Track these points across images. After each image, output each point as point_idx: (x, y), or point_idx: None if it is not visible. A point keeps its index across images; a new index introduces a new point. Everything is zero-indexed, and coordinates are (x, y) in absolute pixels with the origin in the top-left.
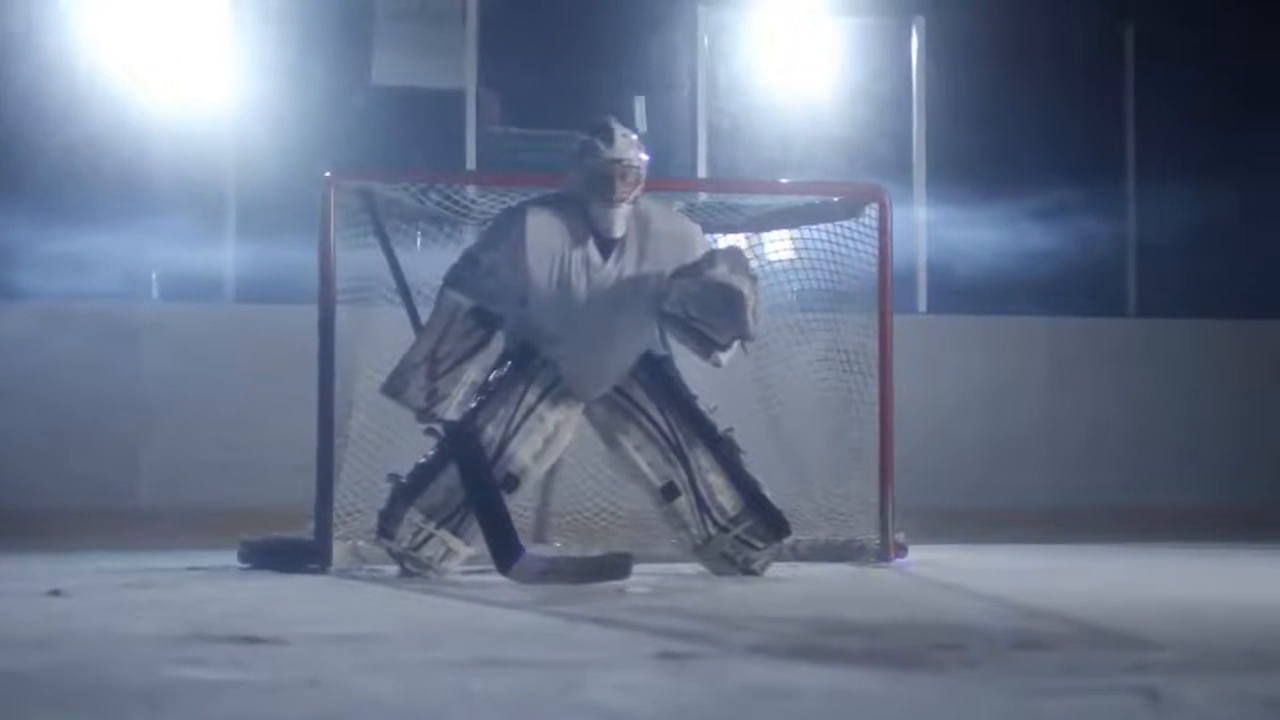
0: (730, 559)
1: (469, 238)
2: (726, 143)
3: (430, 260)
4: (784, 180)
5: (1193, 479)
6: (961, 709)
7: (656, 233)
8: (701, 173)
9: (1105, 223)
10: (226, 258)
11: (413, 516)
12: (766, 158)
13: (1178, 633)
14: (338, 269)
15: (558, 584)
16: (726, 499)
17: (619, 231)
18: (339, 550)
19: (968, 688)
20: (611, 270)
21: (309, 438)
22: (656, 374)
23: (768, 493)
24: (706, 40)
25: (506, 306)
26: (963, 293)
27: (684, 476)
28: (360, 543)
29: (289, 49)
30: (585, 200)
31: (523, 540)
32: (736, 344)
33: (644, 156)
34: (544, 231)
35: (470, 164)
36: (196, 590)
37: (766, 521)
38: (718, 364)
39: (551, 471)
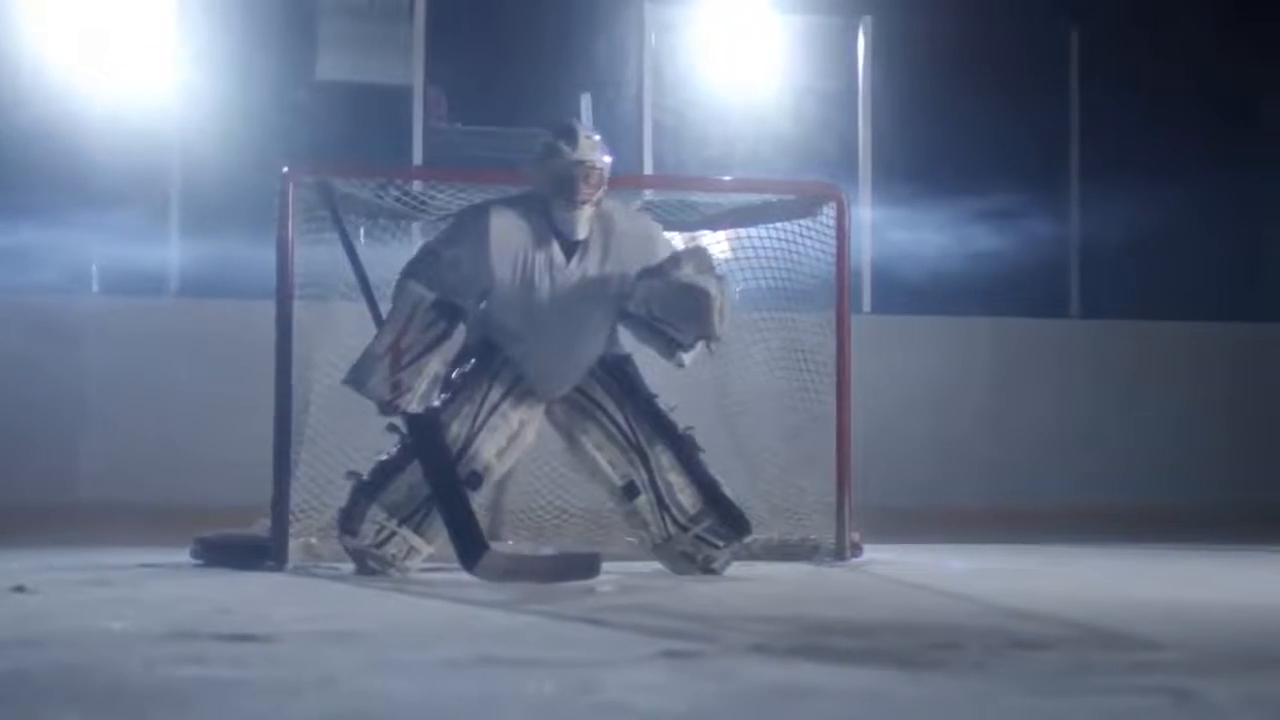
0: (690, 558)
1: (428, 233)
2: (672, 140)
3: (388, 256)
4: (741, 178)
5: (1135, 479)
6: (988, 709)
7: (620, 233)
8: (648, 170)
9: (1049, 224)
10: (171, 252)
11: (375, 514)
12: (712, 155)
13: (1172, 633)
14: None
15: (523, 582)
16: (686, 497)
17: (582, 233)
18: (293, 548)
19: (985, 688)
20: (575, 270)
21: (253, 434)
22: (616, 372)
23: (727, 491)
24: (653, 38)
25: (468, 301)
26: (907, 293)
27: (644, 475)
28: (314, 540)
29: (234, 43)
30: (548, 201)
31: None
32: (700, 344)
33: (607, 158)
34: (508, 231)
35: (417, 160)
36: (160, 587)
37: (726, 520)
38: (680, 364)
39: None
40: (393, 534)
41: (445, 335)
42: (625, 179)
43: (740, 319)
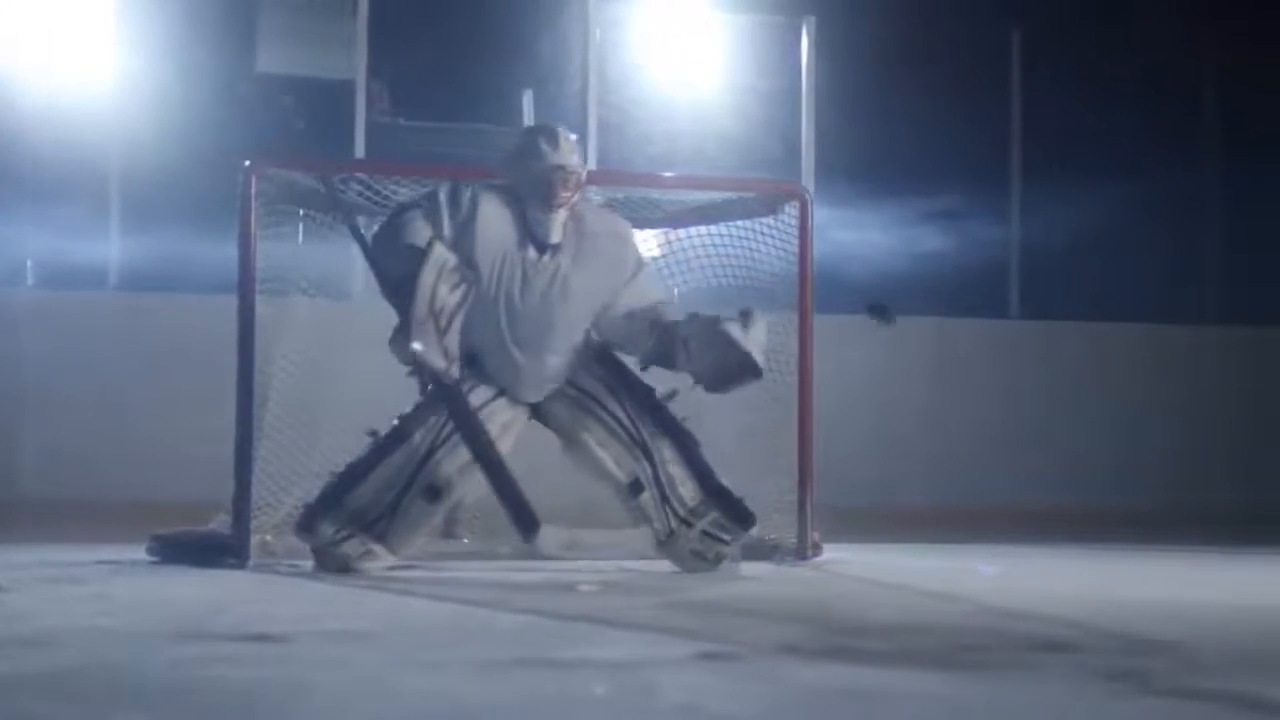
0: (701, 555)
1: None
2: (616, 137)
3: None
4: (704, 176)
5: (1074, 480)
6: (1047, 713)
7: (591, 232)
8: (591, 167)
9: (990, 224)
10: (111, 246)
11: (337, 515)
12: (655, 153)
13: (1180, 635)
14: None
15: (578, 557)
16: (687, 490)
17: (556, 237)
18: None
19: (1034, 690)
20: (548, 266)
21: (195, 429)
22: (612, 366)
23: (726, 482)
24: (598, 34)
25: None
26: (849, 292)
27: (648, 470)
28: (269, 537)
29: (174, 35)
30: (523, 201)
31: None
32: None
33: (584, 163)
34: (494, 221)
35: (359, 154)
36: (135, 585)
37: (730, 512)
38: (644, 368)
39: None
40: (350, 535)
41: (465, 298)
42: (590, 175)
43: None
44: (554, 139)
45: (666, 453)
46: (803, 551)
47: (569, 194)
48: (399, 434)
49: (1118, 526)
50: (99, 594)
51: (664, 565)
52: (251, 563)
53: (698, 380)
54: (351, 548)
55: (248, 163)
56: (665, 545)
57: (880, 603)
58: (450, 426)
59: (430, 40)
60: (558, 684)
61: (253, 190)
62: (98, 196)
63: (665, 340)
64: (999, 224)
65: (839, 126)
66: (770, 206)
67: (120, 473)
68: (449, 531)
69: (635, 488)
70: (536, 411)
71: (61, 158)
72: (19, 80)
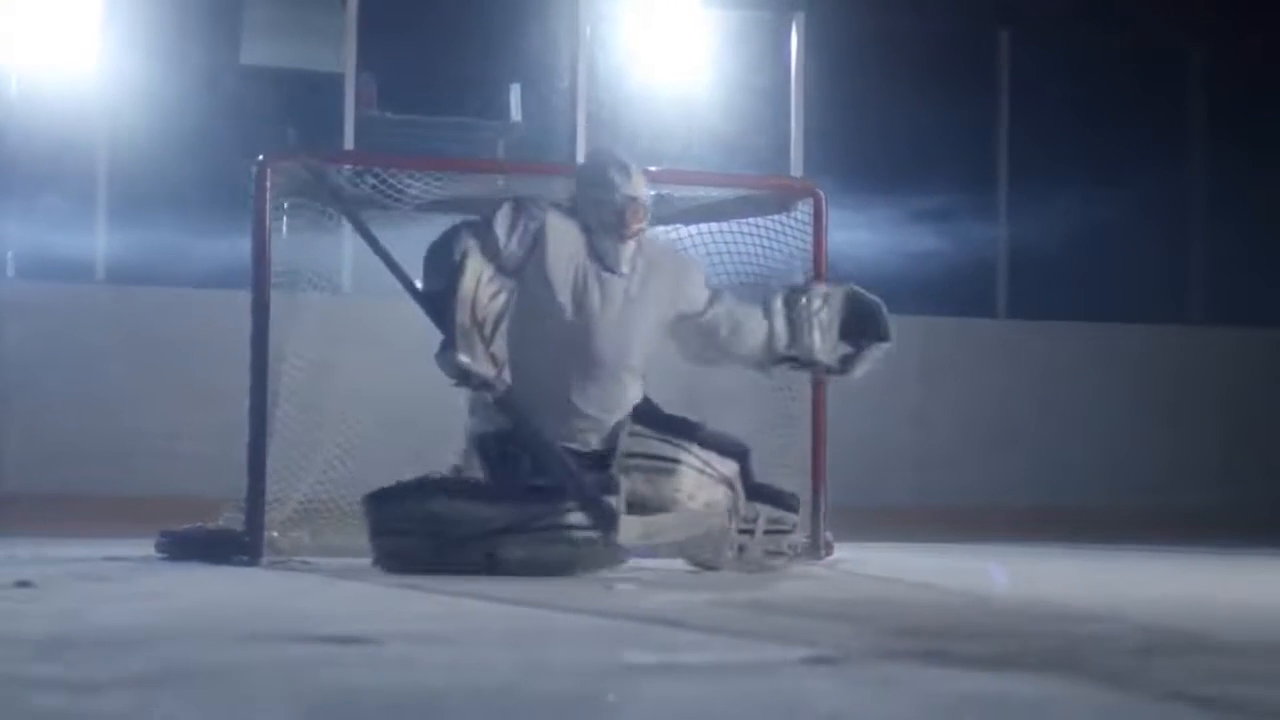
0: (777, 553)
1: (403, 222)
2: (606, 132)
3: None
4: (719, 173)
5: (1059, 480)
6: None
7: (656, 264)
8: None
9: (978, 224)
10: (98, 238)
11: (410, 510)
12: (645, 148)
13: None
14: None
15: (664, 543)
16: (742, 503)
17: (625, 268)
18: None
19: (1173, 694)
20: (621, 283)
21: (180, 424)
22: (656, 418)
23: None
24: (588, 30)
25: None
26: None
27: (732, 501)
28: (274, 533)
29: (162, 26)
30: (591, 229)
31: None
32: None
33: (651, 192)
34: (564, 238)
35: (348, 148)
36: (168, 582)
37: (775, 503)
38: (769, 374)
39: None
40: (410, 533)
41: (507, 306)
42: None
43: None
44: (625, 170)
45: (739, 483)
46: (816, 551)
47: (639, 225)
48: (487, 492)
49: (1105, 527)
50: (138, 592)
51: (678, 562)
52: (264, 560)
53: (829, 368)
54: (399, 546)
55: (261, 156)
56: (739, 559)
57: (928, 603)
58: (530, 514)
59: (418, 34)
60: (720, 687)
61: (267, 184)
62: (85, 188)
63: (798, 318)
64: (987, 223)
65: (828, 123)
66: (783, 204)
67: (104, 468)
68: None
69: (730, 519)
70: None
71: (49, 149)
72: (5, 71)
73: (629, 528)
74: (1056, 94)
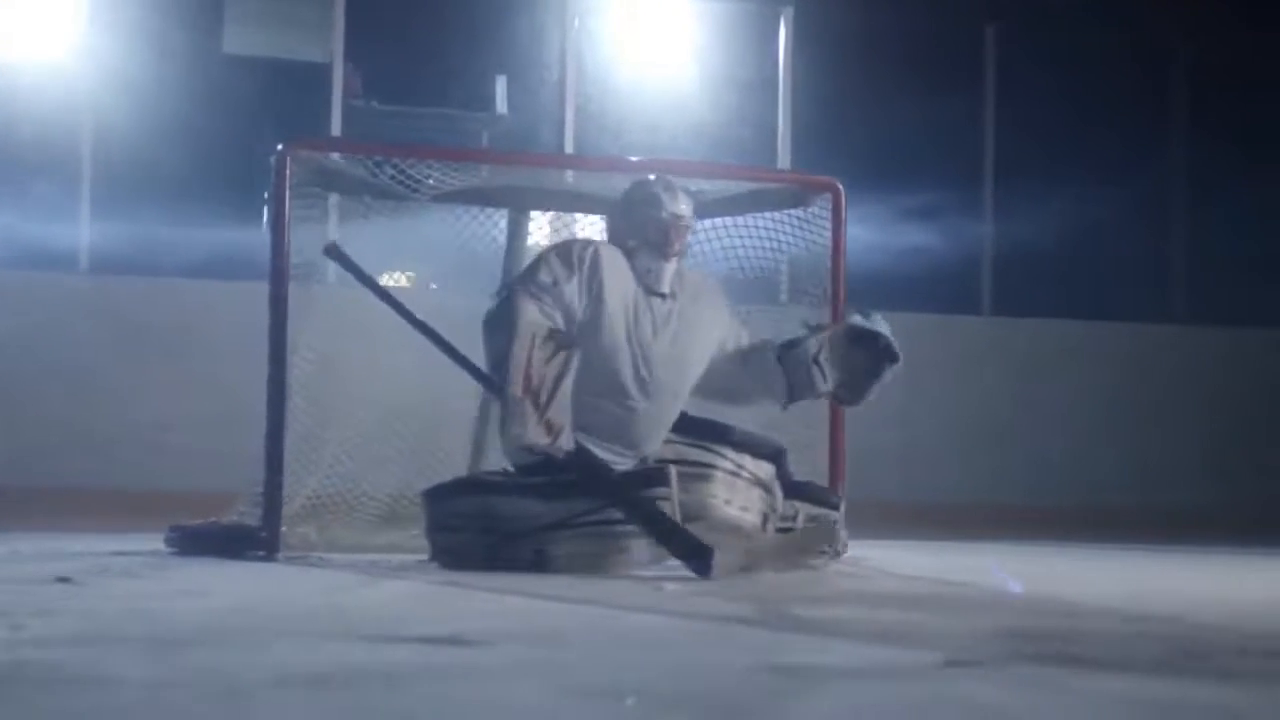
0: (826, 540)
1: (418, 213)
2: (594, 125)
3: (377, 235)
4: (737, 166)
5: (1042, 478)
6: None
7: (695, 288)
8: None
9: (963, 220)
10: (81, 227)
11: (467, 506)
12: (632, 141)
13: None
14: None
15: (757, 570)
16: (779, 502)
17: (668, 287)
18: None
19: None
20: (670, 309)
21: (162, 416)
22: (688, 422)
23: (792, 469)
24: (576, 22)
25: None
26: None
27: (770, 505)
28: (282, 528)
29: (147, 14)
30: (634, 250)
31: None
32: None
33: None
34: (616, 268)
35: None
36: (204, 579)
37: (812, 499)
38: (784, 407)
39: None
40: (463, 530)
41: (568, 364)
42: (610, 161)
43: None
44: (671, 188)
45: (776, 487)
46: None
47: (682, 244)
48: (538, 489)
49: (1086, 525)
50: (181, 589)
51: None
52: (280, 555)
53: (840, 398)
54: (453, 542)
55: (280, 146)
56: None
57: (968, 604)
58: (577, 511)
59: (404, 25)
60: (855, 690)
61: (287, 173)
62: (69, 177)
63: (799, 371)
64: (972, 220)
65: (814, 118)
66: (799, 199)
67: (90, 460)
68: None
69: (766, 521)
70: None
71: (32, 138)
72: None
73: (726, 562)
74: (1042, 91)
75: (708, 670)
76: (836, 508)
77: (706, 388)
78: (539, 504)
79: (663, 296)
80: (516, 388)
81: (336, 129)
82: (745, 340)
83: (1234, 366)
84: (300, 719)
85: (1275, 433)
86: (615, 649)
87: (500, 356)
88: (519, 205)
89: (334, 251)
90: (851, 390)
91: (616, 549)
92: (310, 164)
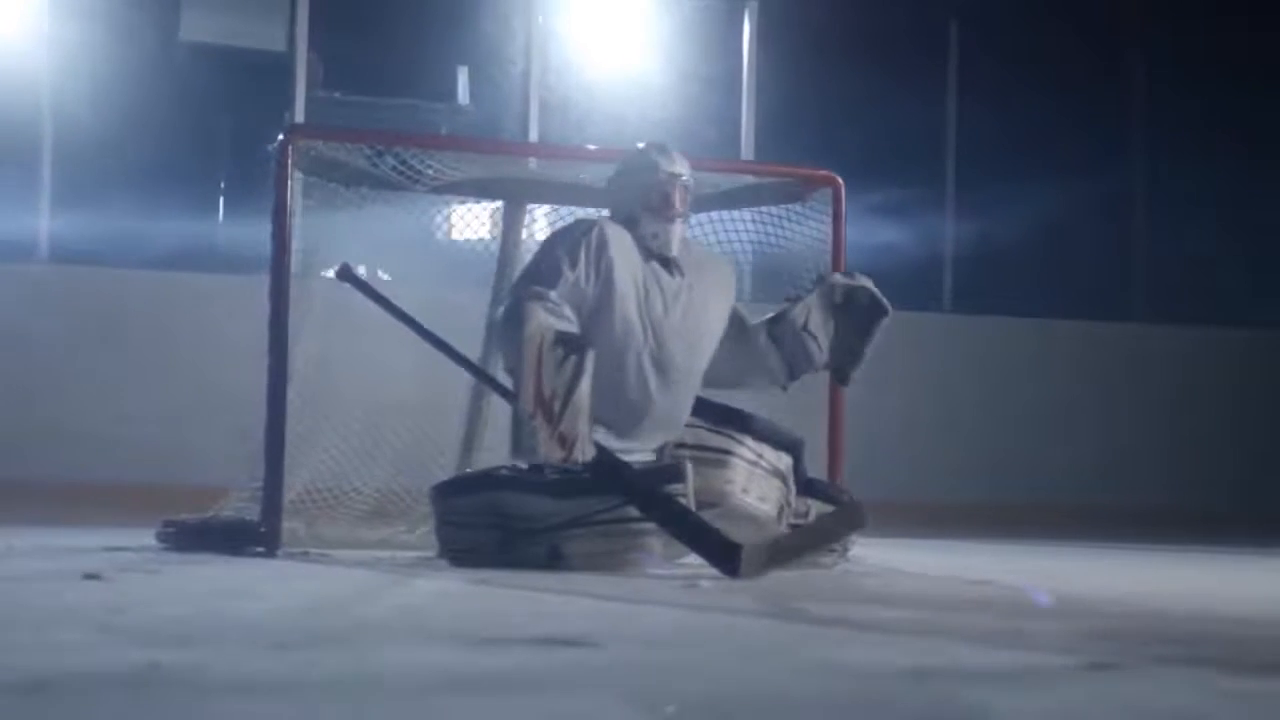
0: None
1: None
2: (558, 119)
3: (377, 227)
4: (736, 160)
5: (999, 475)
6: None
7: (702, 263)
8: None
9: (924, 217)
10: (42, 217)
11: (475, 502)
12: (596, 135)
13: None
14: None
15: (789, 566)
16: (793, 497)
17: (675, 249)
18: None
19: None
20: (681, 284)
21: (122, 410)
22: (708, 408)
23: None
24: (540, 17)
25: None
26: (782, 284)
27: (786, 496)
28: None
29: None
30: (637, 219)
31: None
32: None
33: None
34: (622, 245)
35: None
36: (227, 576)
37: (830, 500)
38: (784, 388)
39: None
40: (472, 526)
41: (581, 366)
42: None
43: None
44: (665, 150)
45: (791, 477)
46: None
47: (684, 204)
48: (552, 486)
49: (1044, 523)
50: (217, 588)
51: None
52: (280, 552)
53: (838, 364)
54: (463, 539)
55: (281, 135)
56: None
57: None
58: (593, 508)
59: (369, 15)
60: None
61: (288, 161)
62: (29, 166)
63: (792, 341)
64: (934, 217)
65: (778, 113)
66: (798, 193)
67: (48, 452)
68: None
69: (781, 514)
70: None
71: None
72: None
73: (753, 561)
74: (1004, 88)
75: (857, 673)
76: (857, 523)
77: (709, 373)
78: (553, 501)
79: (672, 271)
80: (528, 402)
81: (299, 119)
82: (741, 322)
83: (1192, 365)
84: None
85: (1233, 431)
86: (734, 654)
87: (512, 367)
88: (517, 198)
89: (346, 273)
90: (848, 353)
91: (634, 546)
92: (309, 153)
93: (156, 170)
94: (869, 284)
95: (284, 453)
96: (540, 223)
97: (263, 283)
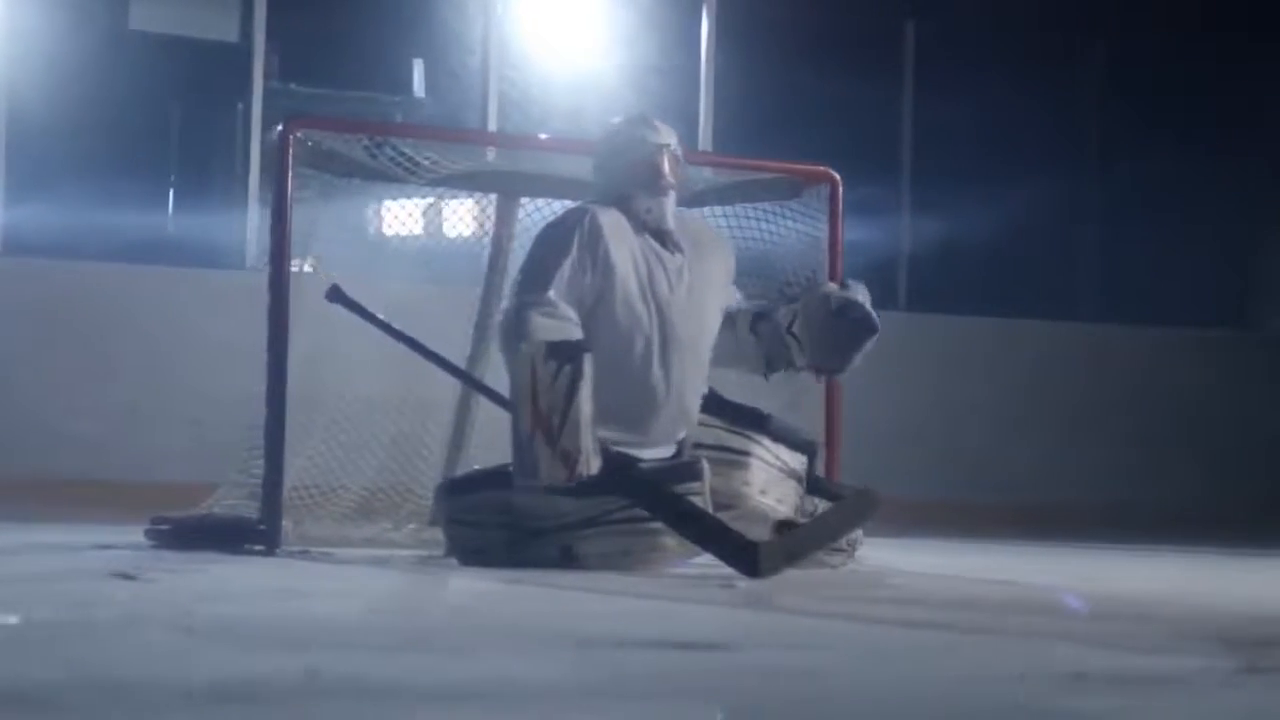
0: (836, 549)
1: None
2: (516, 111)
3: (370, 217)
4: (731, 156)
5: (951, 474)
6: None
7: (698, 238)
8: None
9: (880, 215)
10: None
11: (480, 500)
12: (554, 127)
13: None
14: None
15: (808, 559)
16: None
17: (670, 222)
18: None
19: None
20: (684, 263)
21: (74, 404)
22: (724, 407)
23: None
24: (499, 7)
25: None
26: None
27: (800, 499)
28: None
29: None
30: (629, 196)
31: None
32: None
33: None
34: (615, 228)
35: (255, 119)
36: (255, 576)
37: (830, 497)
38: (766, 377)
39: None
40: (478, 524)
41: (577, 375)
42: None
43: None
44: (647, 121)
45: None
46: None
47: (674, 175)
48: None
49: (999, 522)
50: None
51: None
52: (280, 550)
53: (819, 369)
54: (472, 537)
55: (280, 126)
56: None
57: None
58: (606, 508)
59: (321, 5)
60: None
61: (289, 152)
62: None
63: (773, 340)
64: (889, 215)
65: (735, 107)
66: (794, 189)
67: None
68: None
69: (788, 524)
70: None
71: None
72: None
73: (771, 558)
74: (960, 87)
75: (997, 679)
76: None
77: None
78: (565, 500)
79: (671, 249)
80: (526, 422)
81: (256, 110)
82: (734, 303)
83: (1145, 365)
84: None
85: (1185, 432)
86: (867, 657)
87: (511, 388)
88: (513, 191)
89: (336, 294)
90: (835, 358)
91: (649, 546)
92: (306, 144)
93: (110, 162)
94: (863, 299)
95: (284, 450)
96: (533, 217)
97: (220, 276)
